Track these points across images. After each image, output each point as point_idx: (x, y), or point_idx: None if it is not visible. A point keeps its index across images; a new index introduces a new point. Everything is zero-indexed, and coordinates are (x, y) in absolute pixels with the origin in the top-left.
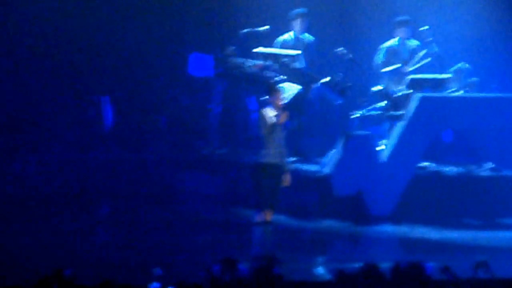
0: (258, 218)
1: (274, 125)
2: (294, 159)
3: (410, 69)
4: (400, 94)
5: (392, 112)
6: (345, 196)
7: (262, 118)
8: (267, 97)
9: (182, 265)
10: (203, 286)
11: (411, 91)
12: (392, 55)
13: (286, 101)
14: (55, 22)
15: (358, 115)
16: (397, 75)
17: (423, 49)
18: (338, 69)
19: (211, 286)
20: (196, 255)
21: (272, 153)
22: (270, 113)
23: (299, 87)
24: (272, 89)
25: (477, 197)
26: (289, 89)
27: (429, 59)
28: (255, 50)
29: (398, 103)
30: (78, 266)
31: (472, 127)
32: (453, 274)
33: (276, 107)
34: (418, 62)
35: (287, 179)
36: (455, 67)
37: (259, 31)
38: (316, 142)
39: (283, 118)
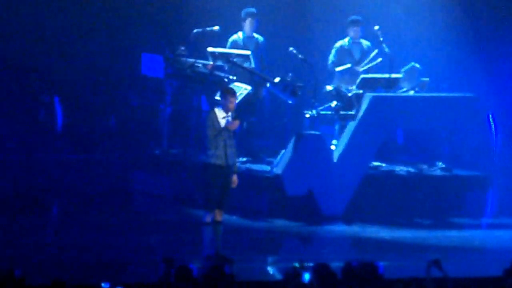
0: (207, 218)
1: (220, 128)
2: (245, 159)
3: (362, 69)
4: (351, 93)
5: (343, 112)
6: (296, 195)
7: (209, 119)
8: (218, 98)
9: (133, 265)
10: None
11: (362, 91)
12: (344, 54)
13: (236, 101)
14: (3, 21)
15: (309, 115)
16: (349, 74)
17: (374, 49)
18: (289, 69)
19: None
20: (147, 255)
21: (218, 154)
22: (219, 114)
23: (250, 87)
24: (224, 91)
25: (428, 196)
26: (240, 89)
27: (380, 59)
28: (208, 49)
29: (349, 102)
30: (29, 266)
31: (423, 127)
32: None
33: (226, 109)
34: (369, 62)
35: (235, 180)
36: (406, 67)
37: (209, 31)
38: (268, 142)
39: (234, 126)
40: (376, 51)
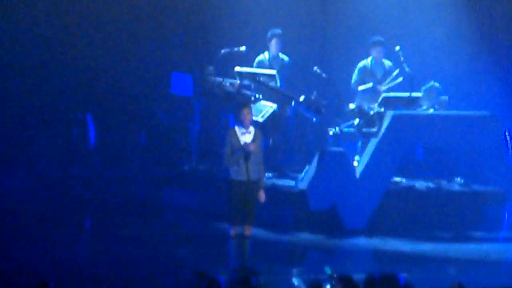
0: (232, 232)
1: (239, 145)
2: (270, 174)
3: (384, 88)
4: (373, 112)
5: (365, 129)
6: (320, 210)
7: (227, 137)
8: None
9: (163, 277)
10: None
11: (384, 109)
12: (366, 74)
13: (262, 120)
14: (39, 40)
15: (332, 132)
16: (371, 93)
17: (395, 69)
18: (313, 88)
19: None
20: (176, 268)
21: (239, 170)
22: (238, 131)
23: (275, 105)
24: (241, 106)
25: (448, 211)
26: (266, 108)
27: (401, 78)
28: (234, 69)
29: (371, 120)
30: (62, 279)
31: (442, 144)
32: None
33: (244, 123)
34: (391, 81)
35: (261, 195)
36: (426, 86)
37: (236, 51)
38: (293, 159)
39: (251, 147)
40: (397, 70)
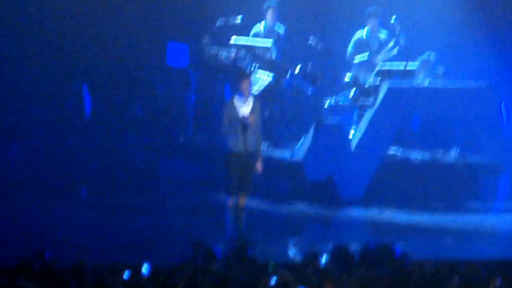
0: (229, 202)
1: (237, 116)
2: (267, 146)
3: (379, 59)
4: (369, 83)
5: (361, 101)
6: (316, 181)
7: (225, 108)
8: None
9: (160, 247)
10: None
11: (380, 80)
12: (362, 46)
13: (258, 90)
14: (35, 11)
15: (329, 103)
16: (366, 65)
17: (391, 39)
18: (309, 59)
19: (188, 267)
20: (172, 238)
21: (236, 141)
22: (237, 102)
23: (271, 76)
24: (240, 77)
25: (443, 181)
26: (261, 79)
27: (396, 49)
28: (230, 40)
29: (367, 92)
30: (59, 249)
31: (438, 115)
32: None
33: (243, 94)
34: (386, 52)
35: (258, 166)
36: (422, 57)
37: (233, 21)
38: (288, 130)
39: (250, 119)
40: (393, 42)
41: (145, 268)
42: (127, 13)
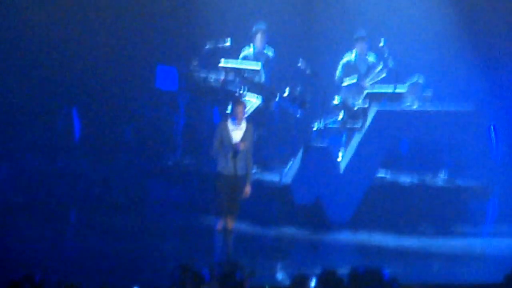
0: (219, 225)
1: (229, 139)
2: (255, 169)
3: (368, 83)
4: (357, 107)
5: (350, 124)
6: (304, 204)
7: (217, 130)
8: (229, 110)
9: (148, 270)
10: None
11: (368, 104)
12: (350, 69)
13: (246, 115)
14: (25, 33)
15: (317, 127)
16: (355, 88)
17: (379, 63)
18: (298, 83)
19: None
20: (161, 261)
21: (226, 165)
22: (230, 126)
23: (259, 100)
24: (234, 102)
25: (432, 205)
26: (250, 102)
27: (384, 73)
28: (219, 65)
29: (355, 115)
30: (48, 271)
31: (427, 139)
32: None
33: (236, 119)
34: (375, 76)
35: (247, 190)
36: (411, 81)
37: (221, 45)
38: (277, 153)
39: (242, 146)
40: (381, 65)
41: None
42: (116, 36)
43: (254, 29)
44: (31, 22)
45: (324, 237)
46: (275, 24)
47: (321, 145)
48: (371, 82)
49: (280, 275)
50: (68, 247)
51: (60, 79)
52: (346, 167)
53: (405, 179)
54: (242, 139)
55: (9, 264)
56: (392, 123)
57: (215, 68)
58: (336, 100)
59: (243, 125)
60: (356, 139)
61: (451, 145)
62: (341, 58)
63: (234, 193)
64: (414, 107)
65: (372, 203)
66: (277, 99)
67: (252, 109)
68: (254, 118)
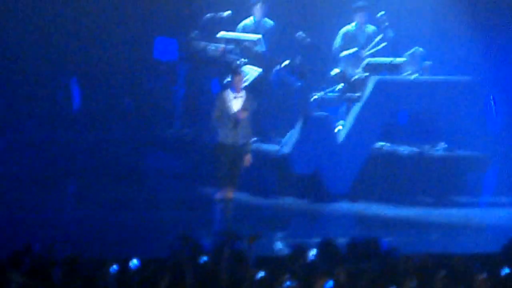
0: (219, 195)
1: (228, 109)
2: (254, 139)
3: (367, 53)
4: (357, 77)
5: (349, 95)
6: (303, 174)
7: (216, 100)
8: (229, 79)
9: (147, 241)
10: (167, 261)
11: (368, 74)
12: (349, 39)
13: (246, 84)
14: (24, 4)
15: (316, 97)
16: (354, 59)
17: (379, 34)
18: (297, 53)
19: (175, 260)
20: (160, 232)
21: (227, 134)
22: (230, 95)
23: (260, 70)
24: (233, 72)
25: (430, 175)
26: (250, 72)
27: (384, 43)
28: (218, 35)
29: (355, 85)
30: (46, 242)
31: (426, 109)
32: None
33: (235, 89)
34: (374, 46)
35: (247, 159)
36: (410, 52)
37: (221, 16)
38: (277, 123)
39: (243, 114)
40: (380, 36)
41: (133, 263)
42: (116, 7)
43: (253, 0)
44: None
45: (323, 207)
46: None
47: (320, 114)
48: (370, 52)
49: (278, 245)
50: (67, 218)
51: (58, 51)
52: (345, 137)
53: (404, 149)
54: (242, 109)
55: (8, 234)
56: (391, 93)
57: (215, 38)
58: (335, 71)
59: (243, 94)
60: (354, 110)
61: (450, 116)
62: (341, 28)
63: (234, 162)
64: (413, 77)
65: (371, 173)
66: (276, 70)
67: (251, 79)
68: (254, 88)
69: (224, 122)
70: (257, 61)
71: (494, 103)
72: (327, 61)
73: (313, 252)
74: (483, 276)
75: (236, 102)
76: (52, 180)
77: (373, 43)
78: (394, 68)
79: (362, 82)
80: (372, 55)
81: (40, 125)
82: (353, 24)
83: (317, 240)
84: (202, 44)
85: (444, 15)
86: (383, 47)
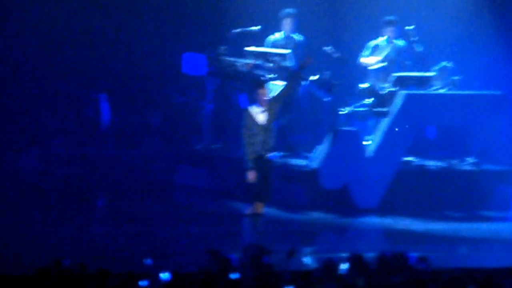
0: (249, 210)
1: (256, 125)
2: (283, 154)
3: (396, 67)
4: (386, 91)
5: (378, 109)
6: (332, 189)
7: (244, 119)
8: (253, 94)
9: (176, 255)
10: (196, 275)
11: (397, 88)
12: (379, 53)
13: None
14: (55, 21)
15: (345, 111)
16: (383, 73)
17: (408, 48)
18: (326, 67)
19: (204, 274)
20: (189, 246)
21: (256, 150)
22: (254, 111)
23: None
24: (256, 86)
25: (459, 190)
26: (278, 87)
27: (413, 58)
28: (246, 48)
29: (383, 100)
30: (77, 257)
31: (455, 124)
32: (429, 264)
33: (261, 104)
34: (403, 61)
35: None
36: (439, 66)
37: (250, 30)
38: (305, 138)
39: (270, 119)
40: (410, 50)
41: (164, 276)
42: (145, 23)
43: (282, 14)
44: (60, 7)
45: (351, 222)
46: (303, 9)
47: (349, 129)
48: (399, 67)
49: (307, 260)
50: (95, 232)
51: (88, 66)
52: (373, 152)
53: (433, 163)
54: (267, 118)
55: (37, 250)
56: (420, 107)
57: (243, 53)
58: (364, 85)
59: (268, 108)
60: (383, 124)
61: (478, 130)
62: (368, 42)
63: (265, 175)
64: (442, 91)
65: (399, 188)
66: (305, 84)
67: (277, 93)
68: (283, 103)
69: (253, 137)
70: (285, 76)
71: None
72: (356, 75)
73: (343, 266)
74: None
75: (261, 115)
76: (82, 195)
77: (403, 57)
78: (423, 82)
79: (391, 96)
80: (401, 70)
81: (70, 140)
82: (384, 38)
83: (345, 254)
84: (231, 59)
85: (473, 29)
86: (412, 61)
